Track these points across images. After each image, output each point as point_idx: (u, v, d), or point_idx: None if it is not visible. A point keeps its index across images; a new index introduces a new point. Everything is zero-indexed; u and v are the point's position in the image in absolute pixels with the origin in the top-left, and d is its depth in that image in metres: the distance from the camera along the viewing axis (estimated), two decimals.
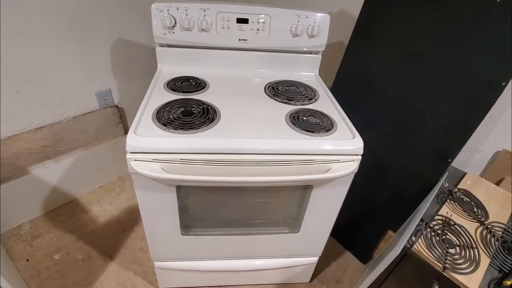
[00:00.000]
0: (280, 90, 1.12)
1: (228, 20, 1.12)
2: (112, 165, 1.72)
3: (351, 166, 0.88)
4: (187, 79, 1.13)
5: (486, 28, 0.84)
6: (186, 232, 1.04)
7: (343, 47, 1.19)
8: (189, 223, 1.04)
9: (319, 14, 1.15)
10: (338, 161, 0.87)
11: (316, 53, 1.25)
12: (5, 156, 1.31)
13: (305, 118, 0.97)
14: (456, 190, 1.01)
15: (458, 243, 0.84)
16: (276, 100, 1.06)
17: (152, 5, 1.07)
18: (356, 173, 0.90)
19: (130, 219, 1.56)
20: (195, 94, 1.04)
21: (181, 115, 0.91)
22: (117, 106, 1.63)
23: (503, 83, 0.84)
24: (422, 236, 0.84)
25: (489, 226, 0.89)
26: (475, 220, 0.92)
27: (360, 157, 0.88)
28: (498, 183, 1.11)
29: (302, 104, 1.05)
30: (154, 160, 0.80)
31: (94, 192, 1.69)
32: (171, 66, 1.19)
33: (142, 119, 0.88)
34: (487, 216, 0.93)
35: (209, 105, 0.97)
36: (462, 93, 0.92)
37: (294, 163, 0.85)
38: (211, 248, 1.12)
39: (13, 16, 1.14)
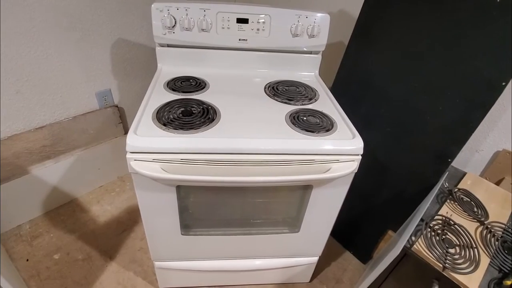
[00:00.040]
0: (280, 90, 1.12)
1: (228, 20, 1.12)
2: (112, 165, 1.72)
3: (351, 166, 0.88)
4: (187, 79, 1.13)
5: (486, 28, 0.84)
6: (186, 232, 1.04)
7: (343, 47, 1.19)
8: (189, 223, 1.04)
9: (319, 14, 1.15)
10: (338, 161, 0.87)
11: (316, 53, 1.25)
12: (5, 156, 1.31)
13: (305, 118, 0.97)
14: (456, 190, 1.01)
15: (458, 243, 0.84)
16: (276, 100, 1.06)
17: (152, 5, 1.07)
18: (356, 173, 0.90)
19: (130, 219, 1.56)
20: (195, 94, 1.04)
21: (181, 115, 0.91)
22: (117, 106, 1.63)
23: (503, 83, 0.84)
24: (422, 236, 0.84)
25: (489, 226, 0.89)
26: (475, 220, 0.92)
27: (360, 157, 0.88)
28: (498, 183, 1.11)
29: (302, 104, 1.05)
30: (154, 160, 0.80)
31: (94, 192, 1.69)
32: (171, 66, 1.19)
33: (142, 119, 0.88)
34: (487, 216, 0.93)
35: (209, 105, 0.97)
36: (462, 93, 0.92)
37: (294, 163, 0.85)
38: (211, 248, 1.12)
39: (13, 16, 1.14)
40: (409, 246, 0.83)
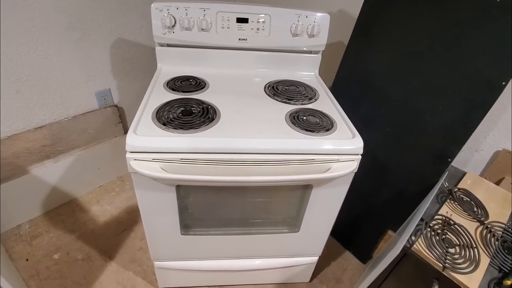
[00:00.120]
0: (280, 90, 1.12)
1: (228, 20, 1.12)
2: (112, 165, 1.72)
3: (351, 165, 0.88)
4: (187, 78, 1.13)
5: (486, 28, 0.84)
6: (186, 231, 1.04)
7: (343, 47, 1.19)
8: (189, 222, 1.04)
9: (319, 14, 1.15)
10: (338, 160, 0.87)
11: (316, 52, 1.25)
12: (4, 155, 1.31)
13: (305, 117, 0.96)
14: (456, 189, 1.01)
15: (458, 243, 0.84)
16: (276, 99, 1.06)
17: (152, 5, 1.07)
18: (356, 172, 0.90)
19: (130, 219, 1.56)
20: (195, 94, 1.04)
21: (181, 114, 0.91)
22: (116, 106, 1.63)
23: (503, 83, 0.84)
24: (422, 235, 0.84)
25: (489, 226, 0.89)
26: (475, 220, 0.92)
27: (360, 157, 0.88)
28: (498, 183, 1.11)
29: (302, 104, 1.05)
30: (153, 160, 0.80)
31: (93, 192, 1.69)
32: (171, 65, 1.19)
33: (141, 119, 0.87)
34: (487, 216, 0.93)
35: (209, 105, 0.97)
36: (462, 93, 0.92)
37: (294, 162, 0.85)
38: (210, 248, 1.12)
39: (13, 16, 1.14)
40: (409, 246, 0.83)
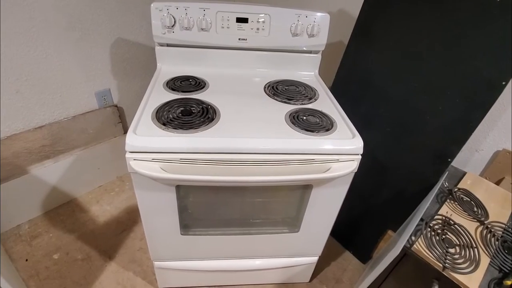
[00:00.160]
0: (279, 90, 1.11)
1: (228, 20, 1.12)
2: (112, 165, 1.72)
3: (351, 165, 0.88)
4: (186, 78, 1.13)
5: (486, 28, 0.83)
6: (186, 232, 1.04)
7: (343, 46, 1.19)
8: (188, 223, 1.04)
9: (319, 14, 1.15)
10: (338, 160, 0.87)
11: (316, 52, 1.25)
12: (4, 155, 1.30)
13: (304, 117, 0.96)
14: (456, 189, 1.01)
15: (458, 243, 0.84)
16: (276, 99, 1.06)
17: (152, 5, 1.07)
18: (356, 172, 0.90)
19: (130, 219, 1.56)
20: (195, 94, 1.04)
21: (180, 114, 0.91)
22: (116, 106, 1.63)
23: (503, 83, 0.84)
24: (422, 235, 0.84)
25: (489, 226, 0.89)
26: (475, 220, 0.92)
27: (360, 157, 0.88)
28: (498, 183, 1.11)
29: (302, 104, 1.05)
30: (153, 160, 0.80)
31: (93, 192, 1.69)
32: (170, 65, 1.19)
33: (141, 119, 0.87)
34: (487, 216, 0.93)
35: (209, 105, 0.97)
36: (462, 93, 0.91)
37: (293, 162, 0.85)
38: (210, 248, 1.12)
39: (13, 16, 1.13)
40: (409, 246, 0.83)
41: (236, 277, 1.28)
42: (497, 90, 0.86)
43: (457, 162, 1.17)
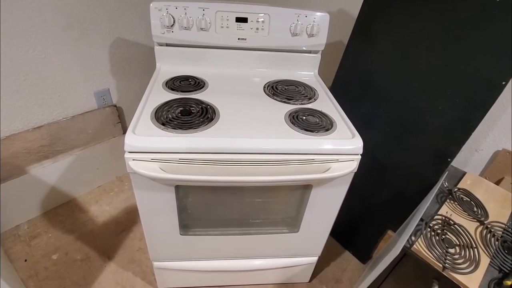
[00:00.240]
0: (279, 90, 1.11)
1: (227, 19, 1.12)
2: (111, 165, 1.71)
3: (351, 165, 0.87)
4: (186, 78, 1.12)
5: (486, 28, 0.83)
6: (185, 232, 1.03)
7: (342, 46, 1.19)
8: (188, 223, 1.04)
9: (318, 13, 1.15)
10: (337, 160, 0.87)
11: (316, 52, 1.24)
12: (3, 156, 1.30)
13: (304, 117, 0.96)
14: (456, 189, 1.01)
15: (458, 243, 0.83)
16: (276, 99, 1.06)
17: (151, 4, 1.07)
18: (355, 172, 0.90)
19: (129, 219, 1.55)
20: (194, 94, 1.03)
21: (180, 114, 0.91)
22: (115, 106, 1.62)
23: (503, 83, 0.84)
24: (421, 235, 0.84)
25: (489, 226, 0.89)
26: (475, 220, 0.92)
27: (359, 157, 0.88)
28: (498, 183, 1.11)
29: (302, 104, 1.05)
30: (152, 160, 0.79)
31: (92, 192, 1.68)
32: (170, 65, 1.19)
33: (140, 119, 0.87)
34: (487, 216, 0.93)
35: (208, 105, 0.97)
36: (462, 93, 0.91)
37: (293, 162, 0.85)
38: (210, 248, 1.12)
39: (12, 16, 1.13)
40: (409, 246, 0.83)
41: (236, 277, 1.28)
42: (497, 90, 0.85)
43: (457, 162, 1.17)
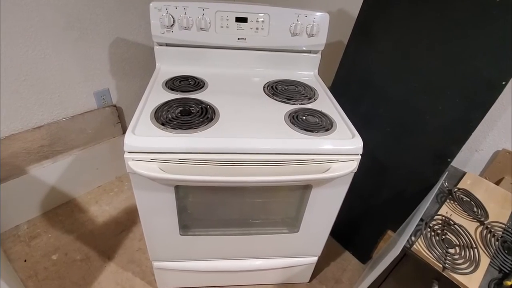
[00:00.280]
0: (279, 90, 1.11)
1: (227, 19, 1.12)
2: (110, 165, 1.71)
3: (351, 165, 0.87)
4: (185, 78, 1.12)
5: (486, 28, 0.83)
6: (185, 232, 1.03)
7: (342, 46, 1.19)
8: (187, 223, 1.04)
9: (318, 13, 1.15)
10: (337, 160, 0.87)
11: (316, 52, 1.24)
12: (3, 156, 1.30)
13: (304, 117, 0.96)
14: (456, 189, 1.01)
15: (458, 243, 0.83)
16: (275, 99, 1.05)
17: (151, 4, 1.07)
18: (355, 173, 0.90)
19: (129, 219, 1.55)
20: (194, 94, 1.03)
21: (179, 114, 0.91)
22: (115, 106, 1.62)
23: (503, 83, 0.84)
24: (421, 236, 0.84)
25: (489, 226, 0.89)
26: (475, 220, 0.92)
27: (359, 157, 0.88)
28: (498, 183, 1.11)
29: (302, 104, 1.05)
30: (152, 160, 0.79)
31: (92, 192, 1.68)
32: (169, 65, 1.19)
33: (140, 119, 0.87)
34: (487, 216, 0.93)
35: (208, 105, 0.97)
36: (462, 93, 0.91)
37: (293, 162, 0.85)
38: (209, 248, 1.12)
39: (11, 16, 1.13)
40: (408, 246, 0.83)
41: (236, 277, 1.28)
42: (497, 90, 0.85)
43: (457, 162, 1.17)
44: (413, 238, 0.85)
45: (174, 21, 1.09)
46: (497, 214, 0.94)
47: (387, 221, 1.27)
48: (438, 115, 0.97)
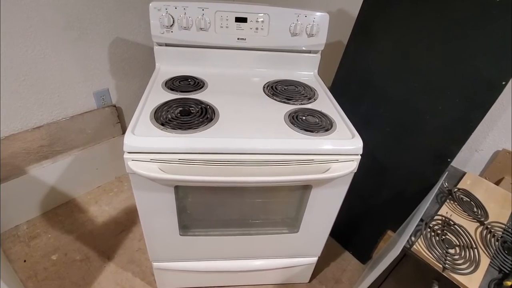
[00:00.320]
0: (279, 90, 1.11)
1: (227, 19, 1.12)
2: (110, 165, 1.71)
3: (351, 166, 0.87)
4: (185, 78, 1.12)
5: (486, 28, 0.83)
6: (185, 232, 1.03)
7: (342, 46, 1.19)
8: (187, 223, 1.03)
9: (318, 13, 1.15)
10: (337, 161, 0.87)
11: (315, 52, 1.24)
12: (2, 156, 1.30)
13: (304, 117, 0.96)
14: (455, 190, 1.01)
15: (458, 243, 0.83)
16: (275, 99, 1.05)
17: (150, 4, 1.07)
18: (355, 173, 0.90)
19: (128, 220, 1.55)
20: (194, 94, 1.03)
21: (179, 114, 0.91)
22: (115, 106, 1.62)
23: (503, 83, 0.84)
24: (421, 236, 0.84)
25: (489, 226, 0.89)
26: (475, 220, 0.92)
27: (359, 157, 0.88)
28: (498, 183, 1.11)
29: (301, 104, 1.05)
30: (152, 160, 0.79)
31: (92, 192, 1.68)
32: (169, 65, 1.18)
33: (140, 119, 0.87)
34: (487, 216, 0.93)
35: (208, 105, 0.97)
36: (462, 93, 0.91)
37: (293, 163, 0.85)
38: (209, 249, 1.12)
39: (11, 16, 1.13)
40: (408, 246, 0.83)
41: (236, 277, 1.27)
42: (497, 90, 0.85)
43: (457, 162, 1.17)
44: (413, 238, 0.85)
45: (173, 21, 1.09)
46: (497, 214, 0.94)
47: (387, 221, 1.27)
48: (438, 115, 0.97)
